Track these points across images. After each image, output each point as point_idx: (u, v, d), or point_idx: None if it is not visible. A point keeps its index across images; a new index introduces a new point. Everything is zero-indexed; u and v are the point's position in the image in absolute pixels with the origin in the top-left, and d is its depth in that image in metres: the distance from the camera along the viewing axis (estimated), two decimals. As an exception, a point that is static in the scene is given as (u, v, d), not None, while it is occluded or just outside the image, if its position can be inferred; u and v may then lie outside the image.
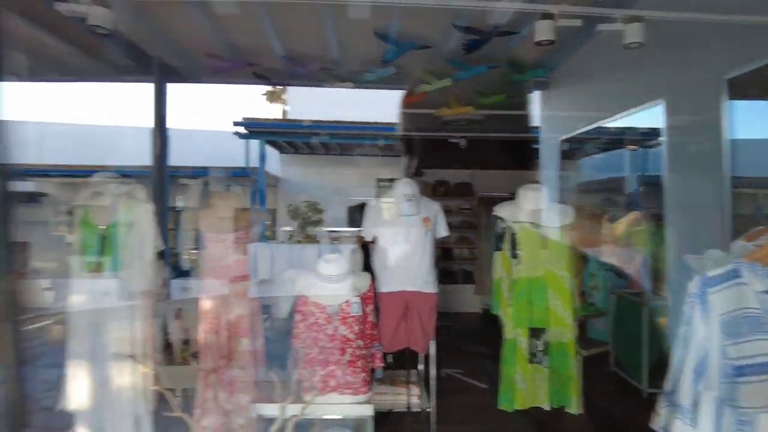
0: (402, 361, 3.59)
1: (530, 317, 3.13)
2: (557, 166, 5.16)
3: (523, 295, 3.13)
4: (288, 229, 8.88)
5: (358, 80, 4.95)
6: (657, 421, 1.76)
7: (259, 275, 3.46)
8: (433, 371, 3.61)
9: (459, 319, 7.33)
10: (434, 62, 4.68)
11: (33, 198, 10.25)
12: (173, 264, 4.53)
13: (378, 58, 4.52)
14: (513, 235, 3.18)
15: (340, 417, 2.87)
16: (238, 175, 8.15)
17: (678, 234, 3.24)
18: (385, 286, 3.38)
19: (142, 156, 5.05)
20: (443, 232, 3.55)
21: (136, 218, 3.04)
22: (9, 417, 2.22)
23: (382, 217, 3.47)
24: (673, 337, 1.76)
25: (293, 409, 2.57)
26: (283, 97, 15.83)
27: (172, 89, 5.23)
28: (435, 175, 8.38)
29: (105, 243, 2.98)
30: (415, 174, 7.96)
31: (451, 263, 8.14)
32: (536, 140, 5.80)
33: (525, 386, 3.12)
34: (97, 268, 2.98)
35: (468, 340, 6.25)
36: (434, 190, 8.15)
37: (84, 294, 2.98)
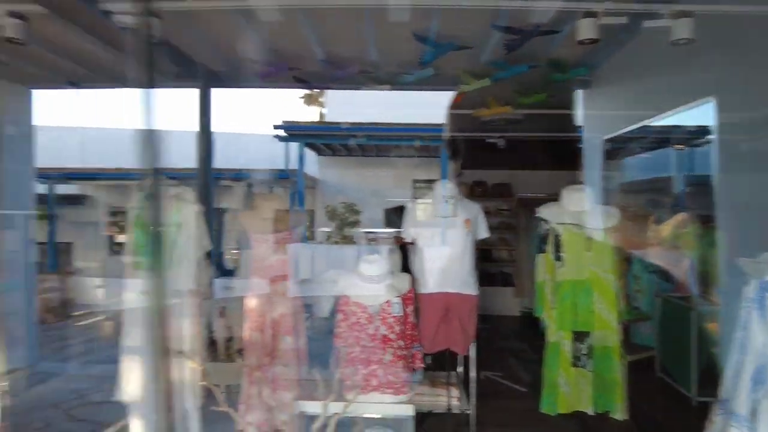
0: (442, 363, 3.59)
1: (574, 320, 3.08)
2: (600, 167, 5.04)
3: (567, 297, 3.09)
4: (326, 229, 9.00)
5: (397, 82, 4.97)
6: (711, 430, 1.71)
7: (299, 275, 3.52)
8: (473, 373, 3.59)
9: (497, 321, 7.26)
10: (473, 63, 4.66)
11: (77, 200, 10.75)
12: (217, 263, 4.68)
13: (416, 59, 4.53)
14: (557, 237, 3.14)
15: (380, 416, 2.90)
16: (279, 177, 8.31)
17: (729, 236, 3.12)
18: (426, 288, 3.39)
19: (187, 159, 5.23)
20: (484, 233, 3.53)
21: (184, 219, 3.15)
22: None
23: (423, 219, 3.48)
24: (725, 343, 1.70)
25: (335, 407, 2.61)
26: (320, 99, 16.07)
27: (216, 94, 5.40)
28: (472, 176, 8.30)
29: (156, 243, 3.10)
30: (457, 175, 7.93)
31: (490, 265, 8.05)
32: (577, 140, 5.69)
33: (568, 390, 3.07)
34: (148, 267, 3.10)
35: (506, 344, 6.19)
36: (472, 191, 8.08)
37: (136, 292, 3.11)
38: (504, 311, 7.71)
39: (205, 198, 4.97)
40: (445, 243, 3.41)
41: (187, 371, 3.03)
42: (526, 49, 4.18)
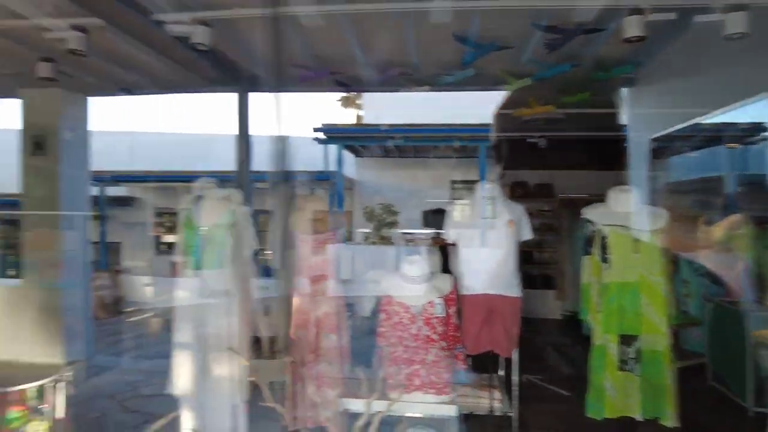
0: (484, 365, 3.58)
1: (620, 323, 3.02)
2: (647, 166, 4.90)
3: (613, 300, 3.02)
4: (364, 230, 9.08)
5: (437, 83, 4.97)
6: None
7: (341, 275, 3.59)
8: (515, 376, 3.56)
9: (539, 325, 7.15)
10: (514, 62, 4.62)
11: (126, 202, 11.22)
12: (262, 263, 4.79)
13: (457, 60, 4.53)
14: (603, 238, 3.08)
15: (423, 416, 2.92)
16: (319, 179, 8.46)
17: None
18: (468, 289, 3.38)
19: (226, 162, 5.40)
20: (527, 234, 3.50)
21: (233, 220, 3.26)
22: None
23: (464, 220, 3.48)
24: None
25: (379, 406, 2.64)
26: (358, 102, 16.21)
27: (254, 98, 5.54)
28: (513, 176, 8.19)
29: (205, 243, 3.22)
30: (500, 177, 7.84)
31: (531, 267, 7.88)
32: (622, 139, 5.55)
33: (615, 394, 3.00)
34: (198, 267, 3.22)
35: (548, 347, 6.09)
36: (512, 192, 7.98)
37: (187, 290, 3.24)
38: (545, 314, 7.57)
39: (247, 200, 5.10)
40: (487, 244, 3.40)
41: (236, 367, 3.13)
42: (568, 48, 4.12)
